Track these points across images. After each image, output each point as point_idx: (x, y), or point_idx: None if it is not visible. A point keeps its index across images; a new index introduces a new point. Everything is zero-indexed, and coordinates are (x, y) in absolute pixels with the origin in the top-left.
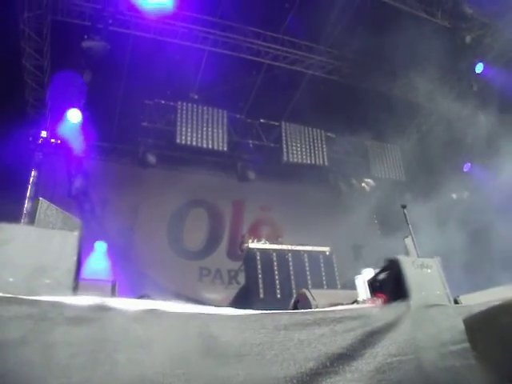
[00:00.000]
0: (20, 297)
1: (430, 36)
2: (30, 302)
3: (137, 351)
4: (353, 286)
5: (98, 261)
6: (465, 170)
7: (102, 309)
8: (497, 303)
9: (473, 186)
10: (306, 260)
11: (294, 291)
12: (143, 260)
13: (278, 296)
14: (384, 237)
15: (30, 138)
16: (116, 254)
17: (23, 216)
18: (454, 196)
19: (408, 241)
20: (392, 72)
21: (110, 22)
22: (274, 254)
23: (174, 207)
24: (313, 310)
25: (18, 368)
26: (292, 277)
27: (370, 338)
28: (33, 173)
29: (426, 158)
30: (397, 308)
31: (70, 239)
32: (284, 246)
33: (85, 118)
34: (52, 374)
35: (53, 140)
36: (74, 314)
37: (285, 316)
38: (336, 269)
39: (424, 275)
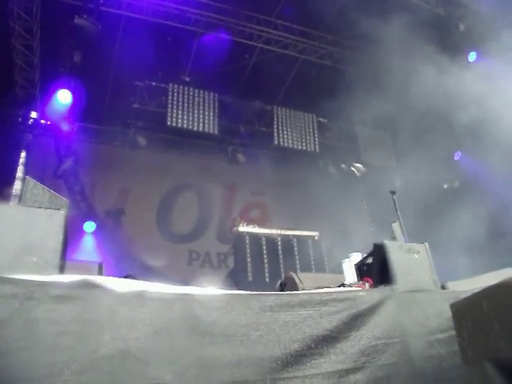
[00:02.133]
0: (4, 276)
1: (424, 23)
2: (15, 282)
3: (122, 331)
4: (341, 271)
5: (86, 241)
6: (455, 158)
7: (88, 287)
8: (480, 289)
9: (463, 175)
10: (295, 244)
11: (283, 275)
12: (132, 242)
13: (267, 280)
14: (373, 222)
15: (20, 119)
16: (104, 236)
17: (12, 197)
18: (445, 186)
19: (395, 226)
20: (385, 58)
21: (102, 1)
22: (264, 238)
23: (164, 190)
24: (298, 292)
25: (2, 348)
26: (281, 261)
27: (354, 321)
28: (22, 154)
29: (417, 144)
30: (382, 291)
31: (56, 218)
32: (273, 231)
33: (75, 99)
34: (37, 352)
35: (42, 121)
36: (59, 292)
37: (271, 297)
38: (324, 253)
39: (411, 260)
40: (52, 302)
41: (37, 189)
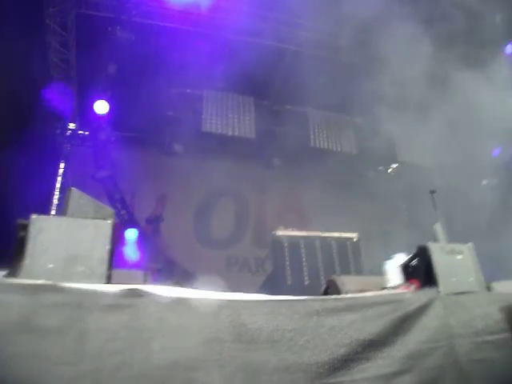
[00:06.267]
0: (59, 285)
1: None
2: (68, 290)
3: (171, 339)
4: (380, 273)
5: (129, 249)
6: (494, 154)
7: (136, 295)
8: None
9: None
10: (334, 246)
11: (322, 278)
12: (171, 249)
13: (306, 283)
14: (411, 223)
15: (58, 131)
16: (145, 243)
17: (53, 207)
18: (484, 182)
19: (437, 227)
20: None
21: (134, 12)
22: (302, 241)
23: (201, 196)
24: (344, 295)
25: (53, 353)
26: (320, 263)
27: (401, 324)
28: (61, 164)
29: (455, 142)
30: (427, 294)
31: (103, 228)
32: (311, 233)
33: (111, 108)
34: (86, 357)
35: (80, 132)
36: (108, 302)
37: (317, 302)
38: (363, 255)
39: (454, 261)
40: (101, 310)
41: (83, 199)
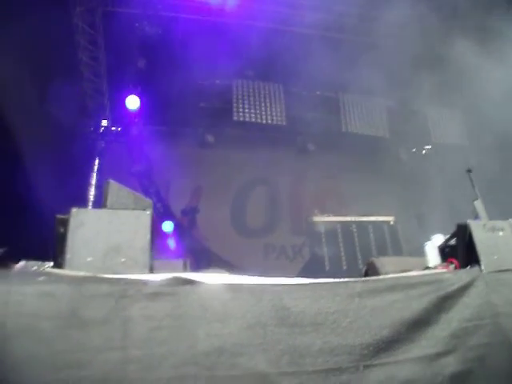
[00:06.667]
0: (100, 276)
1: None
2: (110, 281)
3: (215, 326)
4: (419, 255)
5: (167, 241)
6: None
7: (179, 283)
8: None
9: None
10: (371, 230)
11: (360, 262)
12: (208, 239)
13: (344, 267)
14: (447, 204)
15: (91, 128)
16: (181, 234)
17: (90, 203)
18: None
19: (478, 204)
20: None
21: (160, 7)
22: (339, 226)
23: (236, 185)
24: (385, 276)
25: (99, 342)
26: (357, 248)
27: (443, 303)
28: (96, 161)
29: (490, 120)
30: (469, 272)
31: (143, 218)
32: (348, 218)
33: (142, 103)
34: (132, 345)
35: (113, 128)
36: (151, 290)
37: (358, 283)
38: (401, 238)
39: (496, 238)
40: (145, 299)
41: (121, 191)
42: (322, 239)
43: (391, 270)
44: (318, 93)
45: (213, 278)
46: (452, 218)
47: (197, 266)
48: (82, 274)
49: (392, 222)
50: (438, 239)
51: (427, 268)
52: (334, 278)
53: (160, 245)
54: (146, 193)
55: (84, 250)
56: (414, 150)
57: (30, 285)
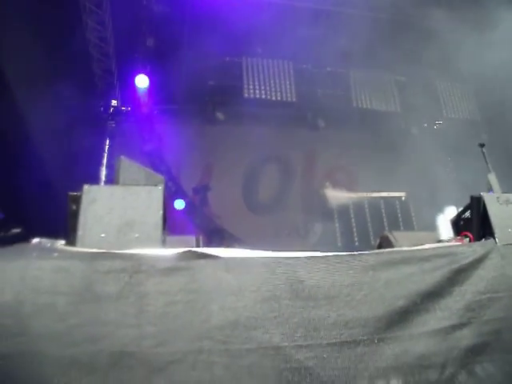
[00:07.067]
0: (113, 251)
1: None
2: (123, 256)
3: (229, 299)
4: (431, 229)
5: (178, 218)
6: None
7: (193, 257)
8: None
9: None
10: (383, 206)
11: (372, 237)
12: (220, 217)
13: (356, 243)
14: (459, 178)
15: (101, 108)
16: (194, 213)
17: (102, 183)
18: None
19: (491, 177)
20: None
21: None
22: (350, 202)
23: (247, 162)
24: (400, 249)
25: (114, 317)
26: (369, 223)
27: (457, 276)
28: (107, 141)
29: (501, 95)
30: (484, 245)
31: (155, 194)
32: (360, 194)
33: (152, 82)
34: (148, 321)
35: (123, 108)
36: (166, 265)
37: (372, 256)
38: (413, 213)
39: (510, 211)
40: (159, 274)
41: (132, 167)
42: (334, 215)
43: (405, 243)
44: (328, 69)
45: (226, 252)
46: (463, 194)
47: (209, 244)
48: (94, 250)
49: (403, 198)
50: (451, 212)
51: (440, 241)
52: None
53: (171, 223)
54: (158, 172)
55: (97, 227)
56: (426, 124)
57: (47, 260)
